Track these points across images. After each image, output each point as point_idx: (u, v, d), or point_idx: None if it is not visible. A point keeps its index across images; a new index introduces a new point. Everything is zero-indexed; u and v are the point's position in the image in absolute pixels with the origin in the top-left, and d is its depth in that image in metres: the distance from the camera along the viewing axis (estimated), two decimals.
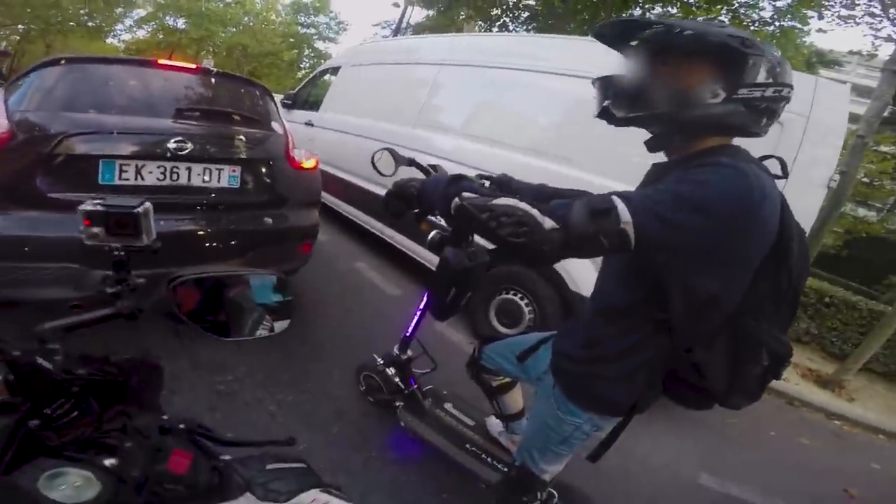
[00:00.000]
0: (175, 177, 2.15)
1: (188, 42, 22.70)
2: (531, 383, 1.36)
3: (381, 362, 1.95)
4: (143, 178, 2.07)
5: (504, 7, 13.22)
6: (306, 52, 25.71)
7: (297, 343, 2.45)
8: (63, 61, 2.22)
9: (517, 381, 1.62)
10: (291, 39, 24.65)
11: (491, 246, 0.90)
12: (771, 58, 0.84)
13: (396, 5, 16.94)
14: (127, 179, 2.03)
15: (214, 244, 2.21)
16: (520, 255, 0.86)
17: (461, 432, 1.81)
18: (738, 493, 2.35)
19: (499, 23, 13.64)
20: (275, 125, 2.64)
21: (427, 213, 1.04)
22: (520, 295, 2.90)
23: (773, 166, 0.91)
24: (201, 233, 2.16)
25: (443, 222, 1.09)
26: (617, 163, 2.37)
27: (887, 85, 4.86)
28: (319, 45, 25.82)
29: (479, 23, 14.39)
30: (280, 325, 0.76)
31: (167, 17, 23.09)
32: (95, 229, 0.66)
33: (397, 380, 1.90)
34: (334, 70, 5.41)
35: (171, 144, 2.08)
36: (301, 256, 2.61)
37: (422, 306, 1.81)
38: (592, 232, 0.76)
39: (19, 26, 21.04)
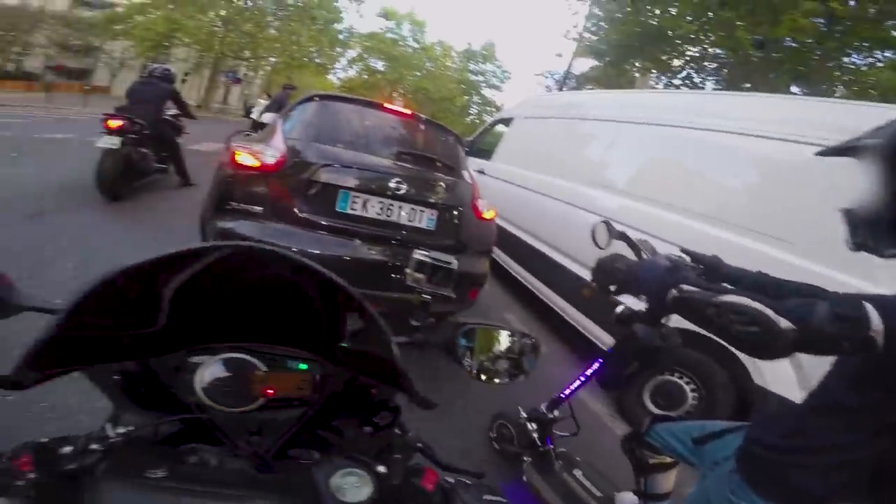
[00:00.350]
0: (390, 213, 2.39)
1: (384, 83, 26.37)
2: (700, 467, 1.30)
3: (525, 416, 1.95)
4: (367, 211, 2.37)
5: (687, 59, 12.43)
6: (475, 98, 27.67)
7: (445, 380, 2.55)
8: (317, 98, 2.67)
9: (677, 463, 1.55)
10: (463, 86, 26.84)
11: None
12: None
13: (559, 55, 17.12)
14: (355, 210, 2.34)
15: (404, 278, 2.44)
16: (743, 349, 0.85)
17: (586, 501, 1.75)
18: None
19: (681, 74, 12.83)
20: (465, 173, 2.84)
21: (637, 294, 1.05)
22: (685, 378, 2.59)
23: None
24: (398, 265, 2.31)
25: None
26: (843, 247, 1.93)
27: None
28: (486, 92, 27.62)
29: (654, 73, 13.70)
30: (519, 377, 0.82)
31: (370, 60, 27.23)
32: (419, 275, 0.79)
33: (535, 436, 1.89)
34: (507, 121, 5.62)
35: (392, 184, 2.36)
36: (469, 301, 2.69)
37: (588, 372, 1.79)
38: (834, 335, 0.74)
39: (271, 58, 26.91)
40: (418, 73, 26.29)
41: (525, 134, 5.06)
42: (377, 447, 0.65)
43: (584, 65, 16.02)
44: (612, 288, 1.10)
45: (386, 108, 2.76)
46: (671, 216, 2.84)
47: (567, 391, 1.86)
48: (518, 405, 2.00)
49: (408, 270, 0.78)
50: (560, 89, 14.01)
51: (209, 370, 0.62)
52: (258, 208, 2.25)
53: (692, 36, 10.72)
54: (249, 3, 24.77)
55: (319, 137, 2.45)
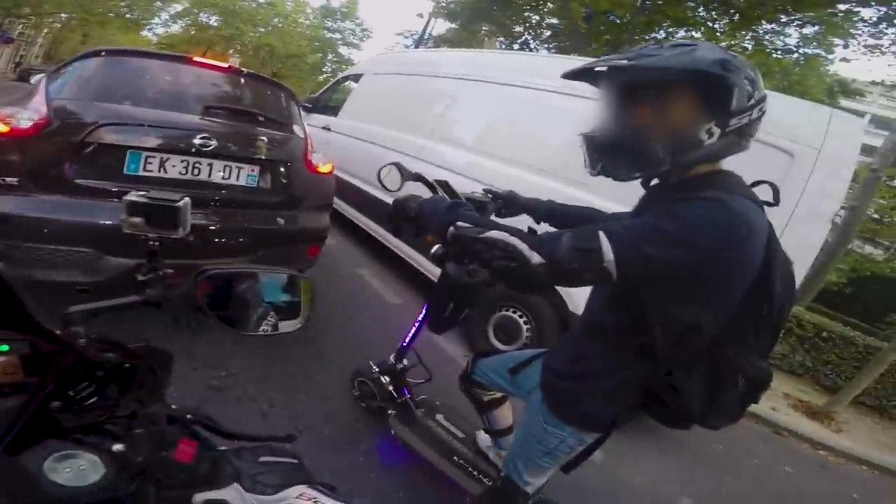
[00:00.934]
0: (196, 172, 2.20)
1: (218, 39, 23.24)
2: (521, 398, 1.37)
3: (377, 370, 1.97)
4: (166, 171, 2.13)
5: (527, 25, 13.34)
6: (329, 56, 26.15)
7: (295, 343, 2.48)
8: (103, 53, 2.31)
9: (507, 396, 1.63)
10: (317, 43, 25.09)
11: None
12: (748, 73, 0.82)
13: (420, 16, 17.26)
14: (150, 171, 2.09)
15: (226, 240, 2.25)
16: (510, 285, 0.90)
17: (450, 444, 1.81)
18: None
19: (520, 40, 13.76)
20: (296, 128, 2.70)
21: (423, 233, 1.06)
22: (518, 312, 2.92)
23: (766, 193, 0.91)
24: (214, 228, 2.19)
25: None
26: (621, 187, 2.32)
27: None
28: (343, 50, 26.28)
29: (501, 39, 14.54)
30: (286, 325, 0.75)
31: (201, 14, 23.67)
32: (136, 219, 0.69)
33: (391, 388, 1.92)
34: (356, 77, 5.51)
35: (197, 140, 2.15)
36: (307, 259, 2.66)
37: (420, 318, 1.84)
38: (576, 269, 0.80)
39: (62, 14, 21.61)
40: (262, 30, 23.71)
41: (374, 90, 5.03)
42: (124, 423, 0.59)
43: (442, 26, 16.35)
44: (402, 228, 1.09)
45: (196, 61, 2.48)
46: (496, 165, 3.19)
47: (407, 339, 1.89)
48: (370, 361, 2.01)
49: (122, 216, 0.67)
50: (416, 48, 14.06)
51: None
52: (12, 179, 1.87)
53: (533, 4, 11.46)
54: None
55: (102, 96, 2.14)
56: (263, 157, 2.41)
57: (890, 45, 6.86)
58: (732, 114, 0.82)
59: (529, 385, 1.28)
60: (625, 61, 0.85)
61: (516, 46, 13.57)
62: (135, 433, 0.56)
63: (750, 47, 8.73)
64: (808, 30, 8.32)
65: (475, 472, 1.71)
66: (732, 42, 8.73)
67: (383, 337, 2.76)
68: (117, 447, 0.53)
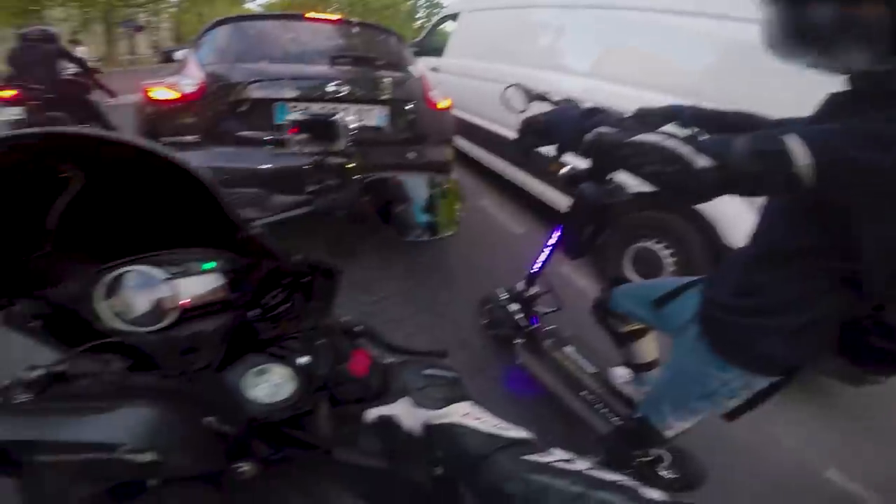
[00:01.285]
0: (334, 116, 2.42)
1: (313, 2, 23.86)
2: (668, 333, 1.22)
3: (506, 296, 1.92)
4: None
5: None
6: (421, 1, 25.58)
7: (431, 273, 2.67)
8: (222, 23, 2.56)
9: (649, 329, 1.46)
10: None
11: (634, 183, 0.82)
12: None
13: None
14: (296, 119, 2.34)
15: (364, 177, 2.46)
16: (669, 191, 0.78)
17: (579, 378, 1.69)
18: (864, 493, 1.97)
19: None
20: (412, 69, 2.81)
21: (560, 148, 0.96)
22: (661, 242, 2.60)
23: None
24: (354, 166, 2.37)
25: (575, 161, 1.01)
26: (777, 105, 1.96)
27: None
28: None
29: None
30: (446, 230, 0.76)
31: None
32: (302, 136, 0.74)
33: (519, 316, 1.86)
34: (454, 17, 5.40)
35: (330, 88, 2.34)
36: None
37: (552, 242, 1.72)
38: (758, 173, 0.68)
39: None
40: None
41: (474, 26, 4.93)
42: (305, 335, 0.60)
43: None
44: (531, 143, 1.01)
45: (308, 17, 2.71)
46: (617, 87, 2.93)
47: (537, 265, 1.78)
48: (497, 289, 1.97)
49: (287, 136, 0.71)
50: None
51: (113, 291, 0.54)
52: (193, 137, 2.23)
53: None
54: None
55: (240, 58, 2.41)
56: (390, 98, 2.55)
57: None
58: None
59: (681, 319, 1.12)
60: None
61: None
62: (318, 345, 0.57)
63: None
64: None
65: (604, 409, 1.58)
66: None
67: (509, 265, 2.71)
68: (304, 360, 0.54)
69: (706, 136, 0.77)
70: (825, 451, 2.15)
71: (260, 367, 0.52)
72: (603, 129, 0.82)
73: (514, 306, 1.91)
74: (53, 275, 0.55)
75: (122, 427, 0.43)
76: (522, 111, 1.33)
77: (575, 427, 1.64)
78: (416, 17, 25.40)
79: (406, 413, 0.54)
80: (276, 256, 0.58)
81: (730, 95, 2.30)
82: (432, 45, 5.68)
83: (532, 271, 1.84)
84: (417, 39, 6.12)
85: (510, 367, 1.90)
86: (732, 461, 1.77)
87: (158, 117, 2.29)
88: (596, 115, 0.88)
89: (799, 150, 0.65)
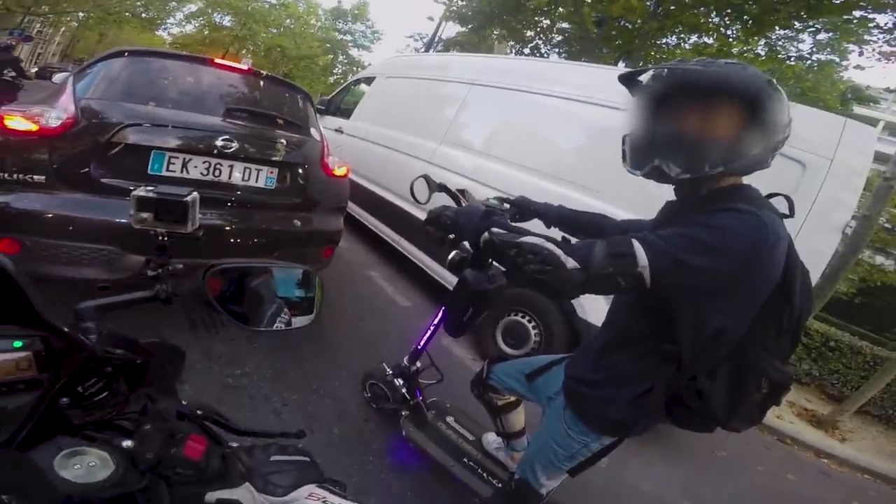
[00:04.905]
0: (217, 173, 2.24)
1: (231, 40, 23.43)
2: (538, 403, 1.40)
3: (391, 372, 1.97)
4: (188, 172, 2.17)
5: (538, 29, 13.34)
6: (340, 58, 26.30)
7: (308, 343, 2.51)
8: (127, 53, 2.35)
9: (521, 400, 1.65)
10: (328, 45, 25.24)
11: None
12: (783, 95, 0.89)
13: (430, 19, 17.23)
14: (173, 171, 2.13)
15: (244, 240, 2.30)
16: (542, 289, 0.92)
17: (460, 446, 1.83)
18: None
19: (531, 45, 13.78)
20: (313, 131, 2.74)
21: (459, 240, 1.10)
22: (527, 317, 2.93)
23: (780, 204, 0.97)
24: (232, 228, 2.23)
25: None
26: (634, 195, 2.28)
27: None
28: (353, 52, 26.44)
29: (511, 43, 14.56)
30: (300, 321, 0.75)
31: (215, 14, 23.90)
32: (144, 214, 0.69)
33: (404, 390, 1.93)
34: (368, 80, 5.53)
35: (219, 142, 2.19)
36: (322, 260, 2.68)
37: (436, 321, 1.85)
38: (611, 273, 0.82)
39: (80, 13, 21.88)
40: (274, 31, 23.92)
41: (386, 93, 5.07)
42: (134, 419, 0.59)
43: (452, 30, 16.39)
44: (447, 237, 1.12)
45: (216, 63, 2.53)
46: (511, 171, 3.21)
47: (422, 342, 1.90)
48: (381, 363, 2.03)
49: (130, 213, 0.68)
50: (427, 51, 14.13)
51: None
52: (40, 177, 1.91)
53: (545, 8, 11.45)
54: None
55: (126, 96, 2.18)
56: (282, 160, 2.44)
57: None
58: (777, 129, 0.88)
59: (548, 390, 1.31)
60: (699, 68, 0.91)
61: (527, 51, 13.59)
62: (144, 429, 0.56)
63: (763, 53, 8.66)
64: (822, 36, 8.21)
65: (484, 474, 1.74)
66: (745, 48, 8.67)
67: (393, 339, 2.80)
68: (127, 443, 0.53)
69: (574, 241, 0.90)
70: (677, 488, 2.51)
71: (71, 450, 0.49)
72: (496, 231, 0.95)
73: (398, 381, 1.97)
74: None
75: None
76: (426, 202, 1.47)
77: (459, 495, 1.75)
78: (333, 71, 25.93)
79: (247, 498, 0.54)
80: (83, 347, 0.56)
81: (599, 176, 2.72)
82: (340, 105, 5.74)
83: (417, 347, 1.95)
84: (327, 98, 6.15)
85: (395, 440, 1.95)
86: None
87: (8, 148, 1.94)
88: (493, 216, 1.01)
89: (641, 255, 0.81)
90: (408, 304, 3.68)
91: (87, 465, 0.49)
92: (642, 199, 1.08)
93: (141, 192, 0.70)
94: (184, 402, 0.64)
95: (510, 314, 2.99)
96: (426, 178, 1.49)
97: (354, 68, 24.33)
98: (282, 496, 0.54)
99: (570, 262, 0.83)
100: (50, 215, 1.89)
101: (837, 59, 8.71)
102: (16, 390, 0.54)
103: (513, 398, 1.64)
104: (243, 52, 23.29)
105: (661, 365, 1.00)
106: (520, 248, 0.88)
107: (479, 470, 1.75)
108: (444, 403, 2.03)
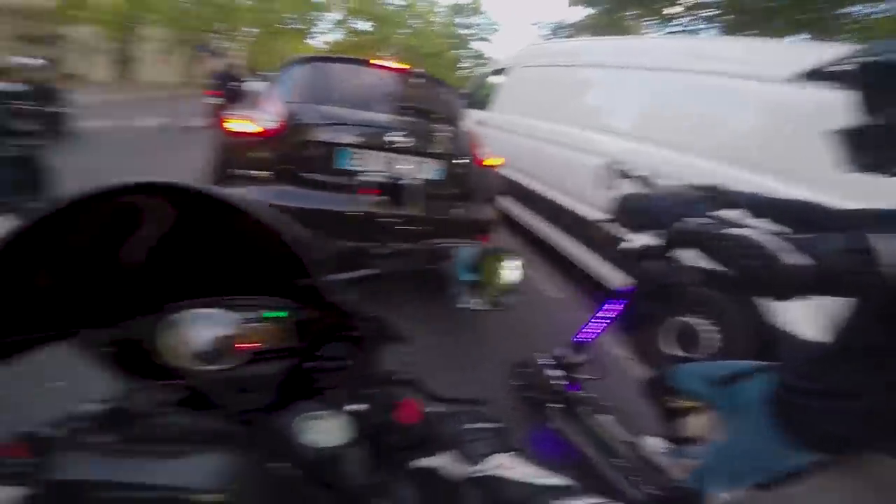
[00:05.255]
0: (391, 166, 2.40)
1: (372, 44, 25.40)
2: (726, 410, 1.30)
3: (545, 363, 1.94)
4: (367, 166, 2.37)
5: (682, 6, 12.02)
6: (464, 52, 26.83)
7: (465, 330, 2.62)
8: (307, 60, 2.67)
9: (703, 407, 1.53)
10: (452, 40, 25.95)
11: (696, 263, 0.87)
12: None
13: (552, 5, 16.64)
14: (356, 166, 2.35)
15: (411, 227, 2.41)
16: (754, 289, 0.87)
17: (613, 446, 1.74)
18: None
19: (672, 22, 12.50)
20: (465, 124, 2.88)
21: (650, 228, 1.04)
22: (704, 319, 2.58)
23: None
24: (403, 218, 2.34)
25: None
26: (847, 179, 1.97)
27: None
28: (476, 45, 26.77)
29: (648, 21, 13.37)
30: (473, 303, 0.76)
31: (354, 21, 26.19)
32: (382, 198, 0.74)
33: (559, 382, 1.88)
34: (503, 71, 5.53)
35: (391, 137, 2.36)
36: None
37: (605, 314, 1.77)
38: (845, 272, 0.71)
39: (245, 28, 25.86)
40: (406, 31, 25.37)
41: (522, 83, 5.00)
42: (357, 385, 0.63)
43: (579, 13, 15.75)
44: (636, 225, 1.08)
45: (377, 64, 2.78)
46: (675, 155, 2.91)
47: (588, 334, 1.83)
48: (534, 353, 1.99)
49: (366, 196, 0.73)
50: (553, 38, 13.73)
51: (185, 329, 0.57)
52: (264, 173, 2.26)
53: None
54: None
55: (314, 98, 2.47)
56: (443, 152, 2.57)
57: None
58: None
59: (745, 398, 1.19)
60: None
61: (667, 29, 12.36)
62: (371, 394, 0.58)
63: None
64: None
65: (637, 477, 1.62)
66: None
67: (543, 329, 2.77)
68: (356, 407, 0.55)
69: (795, 235, 0.79)
70: None
71: (314, 414, 0.53)
72: (699, 220, 0.86)
73: (555, 371, 1.92)
74: (125, 309, 0.58)
75: (194, 470, 0.44)
76: (610, 188, 1.43)
77: (604, 494, 1.62)
78: (459, 66, 26.52)
79: (449, 465, 0.54)
80: (343, 312, 0.60)
81: (776, 160, 2.39)
82: (478, 98, 5.78)
83: (580, 339, 1.88)
84: (464, 91, 6.26)
85: (541, 430, 1.90)
86: None
87: (236, 148, 2.32)
88: (690, 203, 0.96)
89: (884, 250, 0.68)
90: (560, 296, 3.61)
91: (325, 430, 0.52)
92: (856, 184, 0.91)
93: (375, 176, 0.75)
94: (394, 370, 0.68)
95: (683, 314, 2.67)
96: (610, 164, 1.46)
97: (479, 61, 24.62)
98: (478, 464, 0.54)
99: (793, 259, 0.71)
100: (276, 205, 2.25)
101: None
102: (273, 358, 0.60)
103: (692, 403, 1.54)
104: (383, 54, 25.11)
105: None
106: (730, 240, 0.78)
107: (631, 473, 1.64)
108: (598, 400, 1.92)
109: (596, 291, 3.33)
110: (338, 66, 2.76)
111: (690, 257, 1.17)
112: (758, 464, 1.11)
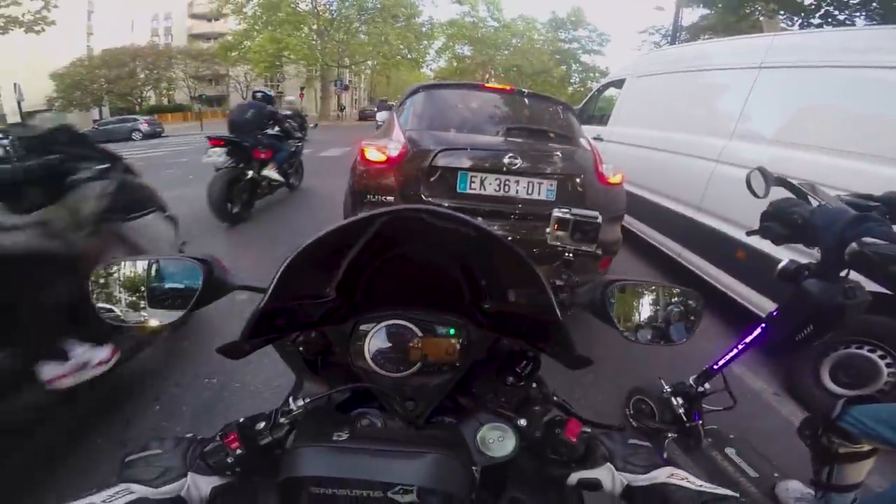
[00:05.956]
0: (507, 189, 2.46)
1: (475, 67, 26.32)
2: None
3: (668, 390, 1.82)
4: (484, 189, 2.45)
5: None
6: (574, 66, 26.31)
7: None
8: (422, 88, 2.80)
9: (877, 451, 1.35)
10: (558, 56, 25.65)
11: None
12: None
13: (660, 9, 15.63)
14: (474, 189, 2.45)
15: (529, 251, 2.46)
16: None
17: (738, 482, 1.59)
18: None
19: (818, 14, 10.91)
20: (582, 141, 2.80)
21: (809, 243, 0.97)
22: (874, 350, 2.24)
23: None
24: (519, 239, 2.38)
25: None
26: None
27: None
28: (585, 58, 26.10)
29: (783, 15, 11.84)
30: (675, 335, 0.73)
31: (457, 47, 27.37)
32: (561, 233, 0.79)
33: (681, 411, 1.75)
34: (618, 83, 5.33)
35: (506, 160, 2.40)
36: (599, 272, 2.64)
37: (747, 339, 1.62)
38: None
39: (369, 62, 28.76)
40: (507, 52, 25.71)
41: (643, 93, 4.76)
42: (517, 401, 0.68)
43: (693, 14, 14.63)
44: (782, 235, 1.01)
45: (486, 87, 2.88)
46: (831, 159, 2.51)
47: (721, 361, 1.69)
48: (659, 378, 1.87)
49: (548, 230, 0.77)
50: (671, 43, 12.80)
51: (375, 337, 0.65)
52: (390, 197, 2.42)
53: None
54: (335, 14, 26.55)
55: (432, 125, 2.58)
56: (559, 172, 2.55)
57: None
58: None
59: None
60: None
61: (815, 22, 10.85)
62: (534, 410, 0.62)
63: None
64: None
65: None
66: None
67: (664, 355, 2.54)
68: (522, 422, 0.58)
69: None
70: None
71: (493, 424, 0.57)
72: (871, 241, 0.80)
73: (676, 400, 1.79)
74: (330, 317, 0.66)
75: (418, 470, 0.48)
76: (763, 196, 1.34)
77: None
78: (570, 82, 26.10)
79: (608, 477, 0.56)
80: (506, 341, 0.66)
81: None
82: (593, 113, 5.60)
83: (712, 367, 1.74)
84: (578, 107, 6.22)
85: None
86: None
87: (368, 175, 2.49)
88: (865, 221, 0.86)
89: None
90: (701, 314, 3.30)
91: (498, 439, 0.56)
92: None
93: (558, 212, 0.82)
94: (552, 392, 0.72)
95: (847, 345, 2.32)
96: (761, 170, 1.34)
97: (591, 74, 24.01)
98: (642, 475, 0.56)
99: None
100: None
101: None
102: (440, 371, 0.67)
103: (867, 447, 1.33)
104: (486, 77, 25.76)
105: None
106: None
107: None
108: (727, 433, 1.79)
109: (732, 319, 3.00)
110: (450, 91, 2.88)
111: (860, 278, 1.02)
112: None
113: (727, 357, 1.68)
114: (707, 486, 0.52)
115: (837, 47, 2.83)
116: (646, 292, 0.73)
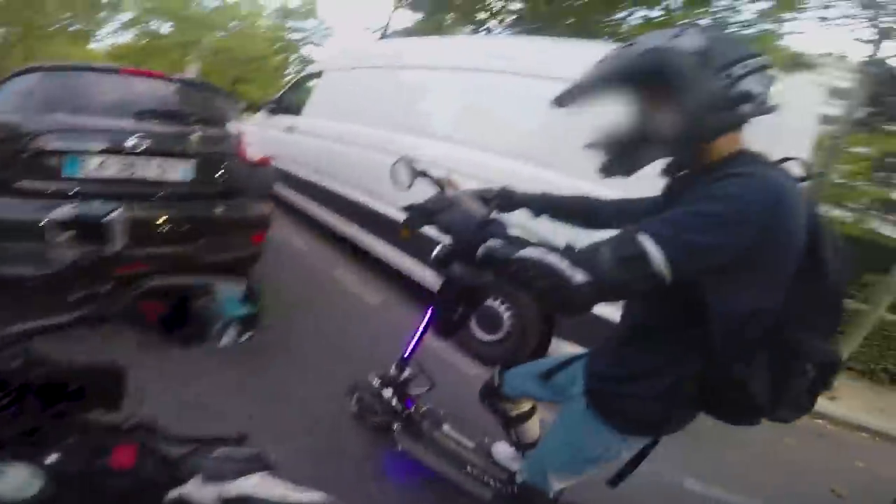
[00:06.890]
0: (133, 170, 2.38)
1: (173, 47, 22.37)
2: (556, 402, 1.30)
3: (378, 382, 1.82)
4: (103, 171, 2.32)
5: (490, 11, 13.19)
6: (293, 57, 25.58)
7: (275, 353, 2.36)
8: (33, 69, 2.59)
9: (535, 408, 1.57)
10: (279, 44, 24.51)
11: None
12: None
13: (384, 11, 16.84)
14: (88, 172, 2.28)
15: (169, 229, 2.38)
16: (549, 307, 0.91)
17: (461, 455, 1.72)
18: (723, 495, 2.31)
19: (484, 27, 13.66)
20: (230, 124, 2.93)
21: (455, 250, 1.08)
22: (501, 301, 2.88)
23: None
24: (152, 220, 2.33)
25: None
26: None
27: (861, 87, 4.96)
28: (305, 50, 25.75)
29: (467, 27, 14.42)
30: (247, 334, 0.70)
31: (152, 22, 22.80)
32: (65, 235, 0.67)
33: (394, 401, 1.79)
34: (317, 75, 5.31)
35: (131, 141, 2.32)
36: (253, 246, 2.83)
37: (423, 324, 1.70)
38: (625, 281, 0.75)
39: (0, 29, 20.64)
40: (223, 34, 22.97)
41: (337, 86, 4.86)
42: (56, 436, 0.59)
43: (408, 19, 16.17)
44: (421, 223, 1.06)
45: (125, 70, 2.82)
46: (476, 154, 3.08)
47: (409, 348, 1.76)
48: (372, 372, 1.86)
49: (46, 238, 0.65)
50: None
51: None
52: None
53: None
54: None
55: (38, 107, 2.41)
56: (196, 152, 2.57)
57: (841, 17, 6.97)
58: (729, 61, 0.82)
59: (568, 388, 1.22)
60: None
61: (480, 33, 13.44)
62: (67, 444, 0.57)
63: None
64: (763, 5, 8.35)
65: (492, 481, 1.63)
66: (687, 21, 8.75)
67: (365, 341, 2.70)
68: (50, 458, 0.54)
69: (576, 248, 0.80)
70: (677, 465, 2.33)
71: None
72: (492, 244, 0.85)
73: (387, 392, 1.82)
74: None
75: None
76: (407, 188, 1.38)
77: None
78: (286, 72, 25.16)
79: (196, 490, 0.56)
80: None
81: (560, 156, 2.62)
82: (291, 104, 5.43)
83: (404, 355, 1.80)
84: (274, 97, 5.87)
85: (391, 454, 1.81)
86: (595, 494, 1.53)
87: None
88: (489, 225, 0.92)
89: (654, 252, 0.73)
90: (377, 301, 3.53)
91: (15, 481, 0.50)
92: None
93: (57, 213, 0.68)
94: (111, 417, 0.65)
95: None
96: (405, 160, 1.36)
97: (309, 66, 23.66)
98: (231, 482, 0.56)
99: (577, 277, 0.74)
100: None
101: (775, 29, 8.89)
102: None
103: (527, 406, 1.55)
104: (187, 58, 22.26)
105: (690, 354, 0.92)
106: (521, 263, 0.80)
107: (486, 477, 1.64)
108: (438, 411, 1.89)
109: (415, 292, 3.37)
110: (75, 74, 2.70)
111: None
112: (584, 454, 1.11)
113: (411, 343, 1.75)
114: (293, 494, 0.54)
115: (480, 53, 3.43)
116: (202, 293, 0.68)
